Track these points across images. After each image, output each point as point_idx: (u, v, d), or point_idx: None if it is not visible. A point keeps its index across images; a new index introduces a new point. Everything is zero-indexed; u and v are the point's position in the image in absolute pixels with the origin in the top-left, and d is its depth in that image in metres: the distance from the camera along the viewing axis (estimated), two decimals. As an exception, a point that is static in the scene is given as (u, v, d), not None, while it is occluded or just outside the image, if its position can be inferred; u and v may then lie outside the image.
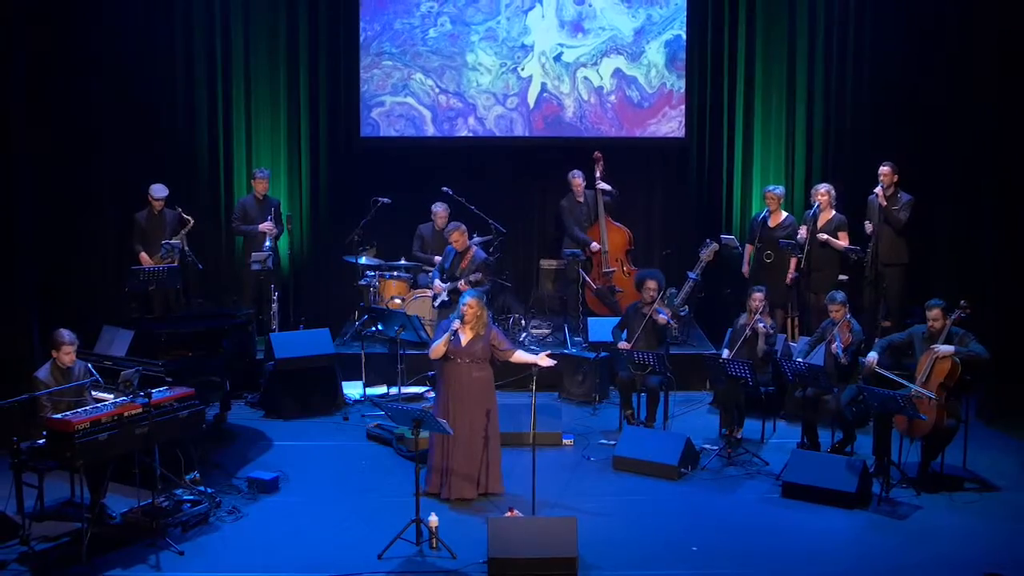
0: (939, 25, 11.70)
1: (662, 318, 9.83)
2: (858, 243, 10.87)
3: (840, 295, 9.35)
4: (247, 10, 12.33)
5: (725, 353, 9.76)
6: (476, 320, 8.25)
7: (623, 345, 9.87)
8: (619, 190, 12.19)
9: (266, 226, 11.52)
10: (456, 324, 8.24)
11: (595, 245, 11.96)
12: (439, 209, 11.71)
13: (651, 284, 9.92)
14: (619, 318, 10.44)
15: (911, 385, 8.51)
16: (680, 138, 12.71)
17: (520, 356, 8.43)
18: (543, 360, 8.22)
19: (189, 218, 11.42)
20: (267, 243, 11.46)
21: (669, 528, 7.94)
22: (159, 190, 11.32)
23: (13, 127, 9.83)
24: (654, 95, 12.69)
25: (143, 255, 11.25)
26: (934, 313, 8.68)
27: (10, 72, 9.78)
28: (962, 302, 8.62)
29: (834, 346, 9.15)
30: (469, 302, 8.26)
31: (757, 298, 9.69)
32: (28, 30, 10.37)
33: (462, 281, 10.68)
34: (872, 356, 8.89)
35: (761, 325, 9.58)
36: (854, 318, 9.39)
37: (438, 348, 8.24)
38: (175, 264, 11.09)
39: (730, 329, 10.10)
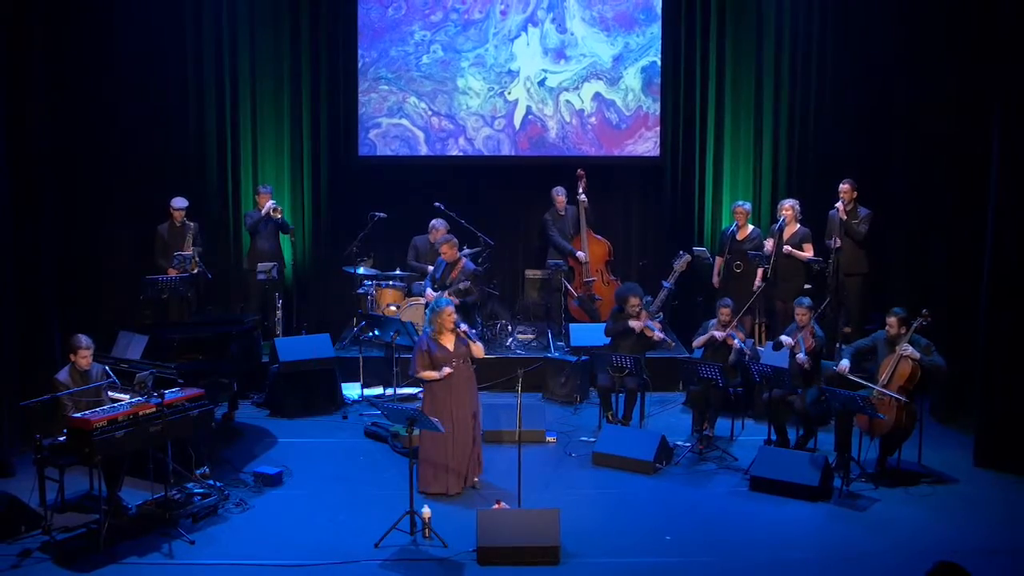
0: (898, 56, 11.78)
1: (657, 336, 9.80)
2: (821, 255, 10.94)
3: (807, 300, 9.40)
4: (253, 38, 12.39)
5: (698, 340, 9.77)
6: (453, 324, 8.26)
7: (635, 324, 9.74)
8: (598, 205, 12.26)
9: (269, 205, 11.57)
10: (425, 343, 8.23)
11: (581, 254, 12.00)
12: (439, 225, 11.65)
13: (633, 300, 9.84)
14: (603, 323, 10.41)
15: (873, 386, 8.56)
16: (655, 157, 12.77)
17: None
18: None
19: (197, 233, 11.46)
20: (274, 214, 11.57)
21: (645, 519, 7.99)
22: (179, 202, 11.35)
23: (33, 145, 9.81)
24: (631, 117, 12.76)
25: (171, 271, 11.15)
26: (891, 320, 8.70)
27: (32, 92, 9.77)
28: (924, 311, 8.61)
29: (799, 356, 9.19)
30: (450, 309, 8.25)
31: (725, 312, 9.64)
32: (48, 64, 10.36)
33: (448, 291, 10.66)
34: (844, 364, 8.85)
35: (736, 342, 9.52)
36: (817, 324, 9.45)
37: (431, 372, 8.22)
38: (187, 274, 11.11)
39: (700, 330, 10.02)
